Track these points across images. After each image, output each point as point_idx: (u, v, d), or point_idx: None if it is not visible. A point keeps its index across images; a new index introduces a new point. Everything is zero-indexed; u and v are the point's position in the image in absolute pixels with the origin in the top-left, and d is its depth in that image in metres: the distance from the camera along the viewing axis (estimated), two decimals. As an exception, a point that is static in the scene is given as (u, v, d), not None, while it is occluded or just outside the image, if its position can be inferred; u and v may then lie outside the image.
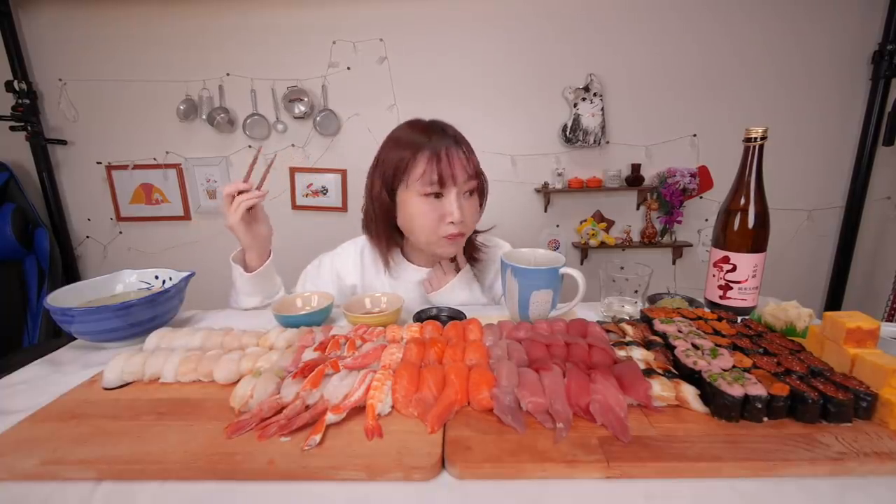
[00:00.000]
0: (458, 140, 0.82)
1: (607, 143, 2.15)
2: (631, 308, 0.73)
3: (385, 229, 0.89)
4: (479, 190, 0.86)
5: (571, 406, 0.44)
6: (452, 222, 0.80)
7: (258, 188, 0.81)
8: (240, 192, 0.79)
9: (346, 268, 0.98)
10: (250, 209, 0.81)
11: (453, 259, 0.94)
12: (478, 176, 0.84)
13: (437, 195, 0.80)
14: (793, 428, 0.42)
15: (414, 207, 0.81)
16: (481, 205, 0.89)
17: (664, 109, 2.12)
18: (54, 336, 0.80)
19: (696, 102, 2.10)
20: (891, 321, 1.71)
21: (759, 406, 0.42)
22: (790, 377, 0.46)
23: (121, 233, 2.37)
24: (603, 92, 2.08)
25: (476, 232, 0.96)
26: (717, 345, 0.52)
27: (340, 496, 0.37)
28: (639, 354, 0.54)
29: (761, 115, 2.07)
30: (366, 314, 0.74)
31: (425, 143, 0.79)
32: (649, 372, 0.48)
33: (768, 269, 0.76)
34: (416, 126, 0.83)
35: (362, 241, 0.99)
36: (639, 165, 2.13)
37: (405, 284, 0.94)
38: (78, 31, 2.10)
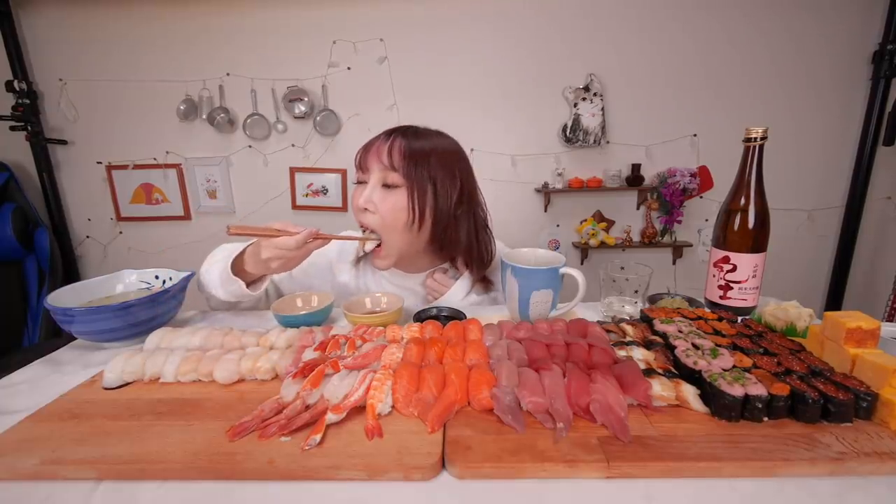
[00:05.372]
0: (397, 136, 0.80)
1: (607, 143, 2.15)
2: (631, 308, 0.73)
3: None
4: (413, 188, 0.79)
5: (571, 406, 0.44)
6: (358, 206, 0.81)
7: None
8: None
9: (339, 264, 0.95)
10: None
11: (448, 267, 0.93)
12: (401, 171, 0.78)
13: (364, 182, 0.82)
14: (793, 428, 0.42)
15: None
16: (430, 209, 0.81)
17: (664, 109, 2.12)
18: (54, 336, 0.80)
19: (696, 102, 2.10)
20: (891, 321, 1.70)
21: (760, 406, 0.42)
22: (790, 377, 0.46)
23: (121, 233, 2.37)
24: (603, 92, 2.08)
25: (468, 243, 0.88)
26: (717, 345, 0.52)
27: (340, 496, 0.37)
28: (639, 354, 0.54)
29: (761, 115, 2.07)
30: (366, 314, 0.74)
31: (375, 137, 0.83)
32: (649, 372, 0.48)
33: (768, 269, 0.76)
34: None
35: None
36: (639, 165, 2.13)
37: (397, 290, 0.93)
38: (78, 31, 2.10)
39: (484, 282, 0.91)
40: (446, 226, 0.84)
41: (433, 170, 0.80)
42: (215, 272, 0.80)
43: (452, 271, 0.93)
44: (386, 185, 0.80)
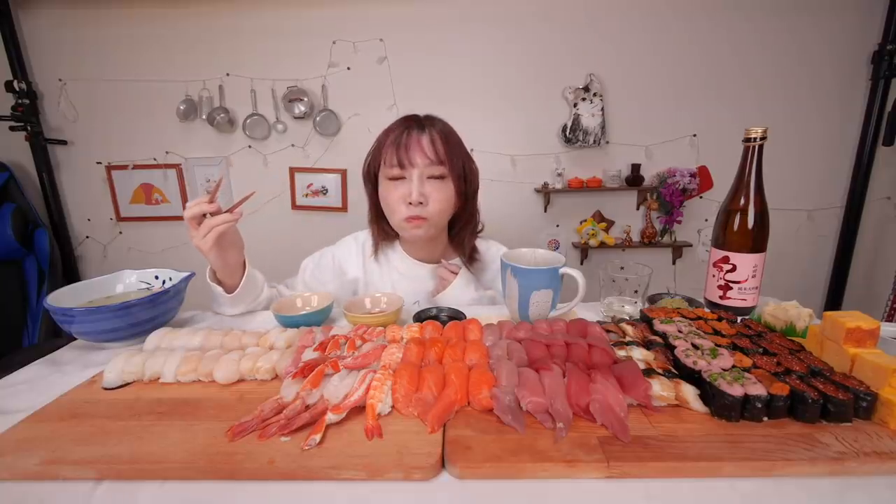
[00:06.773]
0: (427, 127, 0.84)
1: (607, 143, 2.15)
2: (631, 308, 0.73)
3: (376, 218, 0.94)
4: (456, 177, 0.85)
5: (571, 406, 0.44)
6: (410, 203, 0.82)
7: (230, 210, 0.75)
8: (208, 214, 0.73)
9: (348, 262, 0.99)
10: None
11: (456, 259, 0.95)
12: (447, 163, 0.83)
13: (401, 178, 0.84)
14: (793, 428, 0.42)
15: (383, 190, 0.86)
16: (464, 194, 0.88)
17: (664, 109, 2.11)
18: (54, 336, 0.80)
19: (696, 102, 2.10)
20: (891, 321, 1.70)
21: (759, 406, 0.42)
22: (790, 377, 0.46)
23: (121, 233, 2.37)
24: (603, 92, 2.08)
25: (470, 233, 0.96)
26: (716, 345, 0.52)
27: (340, 496, 0.37)
28: (639, 354, 0.54)
29: (761, 115, 2.07)
30: (366, 314, 0.74)
31: (396, 129, 0.84)
32: (649, 372, 0.48)
33: (768, 269, 0.76)
34: (402, 117, 0.87)
35: (363, 235, 1.01)
36: (639, 165, 2.13)
37: (406, 279, 0.95)
38: (78, 31, 2.10)
39: (471, 259, 0.97)
40: (466, 205, 0.90)
41: (462, 156, 0.86)
42: (215, 295, 0.83)
43: (457, 263, 0.95)
44: (432, 177, 0.83)
